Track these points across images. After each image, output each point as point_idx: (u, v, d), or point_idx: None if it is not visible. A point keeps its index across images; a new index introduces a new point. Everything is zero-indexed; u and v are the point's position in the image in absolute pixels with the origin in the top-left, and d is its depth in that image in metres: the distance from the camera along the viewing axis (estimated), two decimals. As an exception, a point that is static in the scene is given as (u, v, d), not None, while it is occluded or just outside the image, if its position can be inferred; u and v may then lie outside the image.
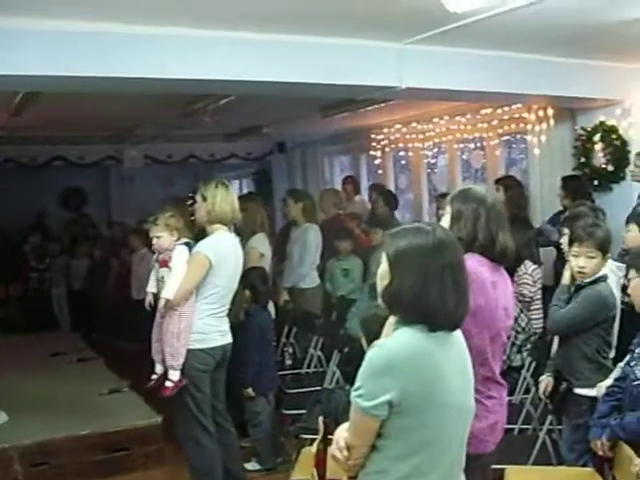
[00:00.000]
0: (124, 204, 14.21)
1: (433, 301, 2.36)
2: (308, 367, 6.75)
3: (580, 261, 4.12)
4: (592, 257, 4.13)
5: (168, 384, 4.69)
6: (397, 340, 2.37)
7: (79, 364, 7.91)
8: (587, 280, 4.16)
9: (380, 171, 10.84)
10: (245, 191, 14.32)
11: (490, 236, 3.06)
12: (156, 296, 4.82)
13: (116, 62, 4.62)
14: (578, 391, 4.07)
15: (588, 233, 4.14)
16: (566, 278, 4.32)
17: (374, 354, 2.34)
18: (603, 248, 4.14)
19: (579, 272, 4.15)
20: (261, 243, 6.65)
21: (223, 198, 4.88)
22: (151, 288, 4.90)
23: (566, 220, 5.05)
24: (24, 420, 5.77)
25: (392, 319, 2.80)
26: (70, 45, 4.47)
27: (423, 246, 2.41)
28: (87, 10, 4.32)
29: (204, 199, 4.87)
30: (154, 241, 4.88)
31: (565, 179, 6.85)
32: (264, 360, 5.71)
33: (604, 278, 4.18)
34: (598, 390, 3.89)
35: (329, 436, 2.95)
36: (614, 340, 4.26)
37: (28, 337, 9.54)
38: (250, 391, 5.64)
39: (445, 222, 3.13)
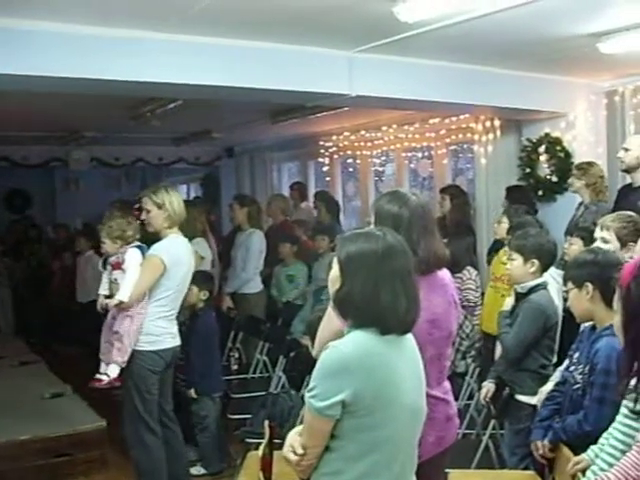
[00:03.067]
0: (70, 206, 14.02)
1: (383, 305, 2.39)
2: (254, 372, 6.75)
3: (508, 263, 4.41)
4: (512, 259, 4.34)
5: (104, 377, 4.73)
6: (350, 341, 2.40)
7: (21, 368, 7.79)
8: (522, 287, 4.29)
9: (328, 178, 10.90)
10: (192, 196, 14.25)
11: (410, 245, 2.73)
12: (108, 298, 4.83)
13: (64, 63, 4.56)
14: (520, 398, 4.15)
15: (512, 236, 4.43)
16: (507, 305, 4.45)
17: (327, 355, 2.37)
18: (524, 252, 4.28)
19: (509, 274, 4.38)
20: (200, 247, 6.65)
21: (178, 201, 4.99)
22: (103, 290, 4.93)
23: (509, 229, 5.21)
24: (-36, 424, 5.67)
25: (326, 318, 2.83)
26: (18, 44, 4.40)
27: (373, 251, 2.44)
28: (33, 7, 4.26)
29: (159, 207, 4.91)
30: (102, 245, 4.99)
31: (509, 189, 6.97)
32: (210, 362, 5.72)
33: (543, 286, 4.29)
34: (539, 397, 3.97)
35: (275, 440, 2.96)
36: (556, 346, 4.35)
37: (-32, 340, 9.38)
38: (192, 392, 5.63)
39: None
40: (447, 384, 3.19)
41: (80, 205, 13.59)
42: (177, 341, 5.01)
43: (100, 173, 13.44)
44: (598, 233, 4.39)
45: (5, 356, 8.20)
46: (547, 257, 4.33)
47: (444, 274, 3.17)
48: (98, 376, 4.76)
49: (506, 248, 4.80)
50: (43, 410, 6.17)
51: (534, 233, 4.49)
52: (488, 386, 4.37)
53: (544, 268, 4.33)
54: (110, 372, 4.73)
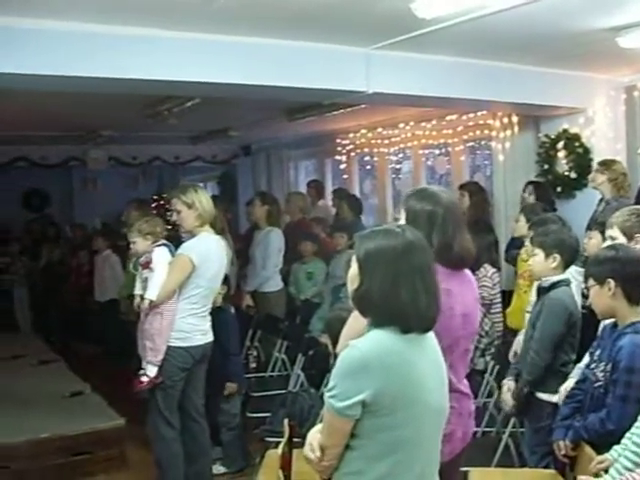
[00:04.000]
0: (87, 206, 14.06)
1: (403, 302, 2.37)
2: (272, 370, 6.76)
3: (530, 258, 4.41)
4: (534, 254, 4.31)
5: (144, 379, 4.81)
6: (370, 340, 2.37)
7: (40, 366, 7.82)
8: (544, 282, 4.25)
9: (345, 176, 10.88)
10: (209, 194, 14.25)
11: (446, 240, 2.92)
12: (142, 297, 4.90)
13: (80, 62, 4.58)
14: (540, 396, 4.11)
15: (535, 232, 4.41)
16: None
17: (347, 354, 2.35)
18: (546, 247, 4.24)
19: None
20: None
21: (207, 199, 5.08)
22: (138, 290, 4.97)
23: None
24: (-16, 423, 5.70)
25: (352, 318, 2.82)
26: (33, 44, 4.42)
27: (392, 248, 2.41)
28: (52, 8, 4.28)
29: (190, 206, 4.97)
30: (132, 245, 5.04)
31: (533, 183, 6.92)
32: (238, 359, 5.78)
33: (565, 282, 4.23)
34: (559, 395, 3.93)
35: (294, 438, 2.96)
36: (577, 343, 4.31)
37: (-13, 339, 9.42)
38: (235, 387, 5.65)
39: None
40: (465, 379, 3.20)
41: (98, 204, 13.64)
42: (208, 337, 5.05)
43: (117, 172, 13.47)
44: (607, 232, 4.36)
45: (25, 355, 8.23)
46: (569, 252, 4.27)
47: (469, 272, 3.18)
48: (142, 378, 4.81)
49: (527, 245, 4.76)
50: (62, 408, 6.19)
51: (556, 228, 4.45)
52: (509, 384, 4.33)
53: (566, 264, 4.27)
54: (149, 372, 4.80)
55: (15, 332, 10.63)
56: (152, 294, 4.76)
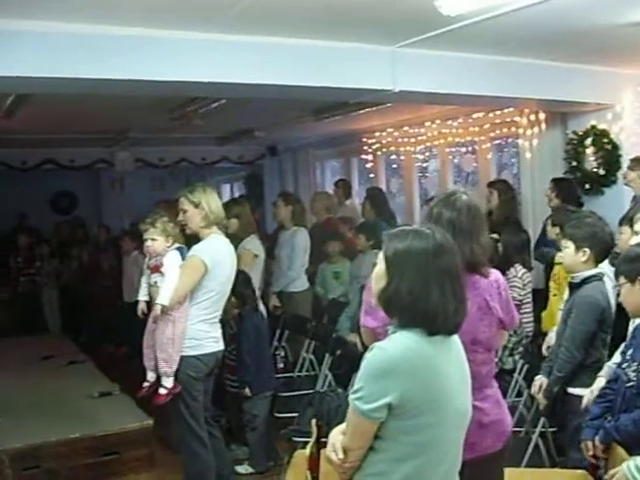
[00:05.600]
0: (115, 207, 14.19)
1: (432, 305, 2.35)
2: (300, 370, 6.75)
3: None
4: (565, 247, 4.23)
5: (162, 391, 4.64)
6: (397, 343, 2.36)
7: (70, 367, 7.86)
8: (575, 278, 4.20)
9: (372, 175, 10.86)
10: (236, 195, 14.31)
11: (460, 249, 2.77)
12: (148, 303, 4.77)
13: (107, 64, 4.61)
14: (574, 391, 4.05)
15: (567, 224, 4.32)
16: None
17: (374, 356, 2.33)
18: (576, 240, 4.17)
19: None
20: (254, 244, 6.65)
21: (215, 200, 4.90)
22: (143, 296, 4.84)
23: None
24: (15, 423, 5.74)
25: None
26: (60, 47, 4.47)
27: (423, 249, 2.39)
28: (79, 12, 4.32)
29: (196, 206, 4.82)
30: (148, 243, 4.79)
31: (555, 180, 6.87)
32: (260, 360, 5.71)
33: (597, 277, 4.16)
34: (589, 395, 3.88)
35: (322, 439, 2.94)
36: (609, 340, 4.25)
37: (18, 340, 9.49)
38: (247, 391, 5.62)
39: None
40: (487, 391, 3.12)
41: (125, 206, 13.75)
42: (220, 345, 4.88)
43: (144, 174, 13.58)
44: (635, 226, 4.30)
45: (54, 356, 8.28)
46: (599, 246, 4.16)
47: (482, 278, 3.10)
48: (160, 390, 4.65)
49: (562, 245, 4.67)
50: (91, 409, 6.22)
51: (589, 221, 4.31)
52: (542, 380, 4.28)
53: (597, 258, 4.17)
54: (165, 384, 4.62)
55: (45, 333, 10.71)
56: (164, 299, 4.55)
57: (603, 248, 4.20)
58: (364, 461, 2.41)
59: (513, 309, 3.28)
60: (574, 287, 4.21)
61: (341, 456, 2.41)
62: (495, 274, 3.18)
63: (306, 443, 3.13)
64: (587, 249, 4.14)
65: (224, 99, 6.90)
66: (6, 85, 4.92)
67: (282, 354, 6.90)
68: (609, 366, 3.88)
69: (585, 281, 4.14)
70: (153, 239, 4.77)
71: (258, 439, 5.73)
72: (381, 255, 2.47)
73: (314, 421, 3.05)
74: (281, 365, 6.81)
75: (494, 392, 3.19)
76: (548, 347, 4.92)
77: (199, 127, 8.53)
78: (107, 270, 10.81)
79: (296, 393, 6.06)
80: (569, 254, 4.20)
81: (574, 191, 6.78)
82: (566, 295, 4.40)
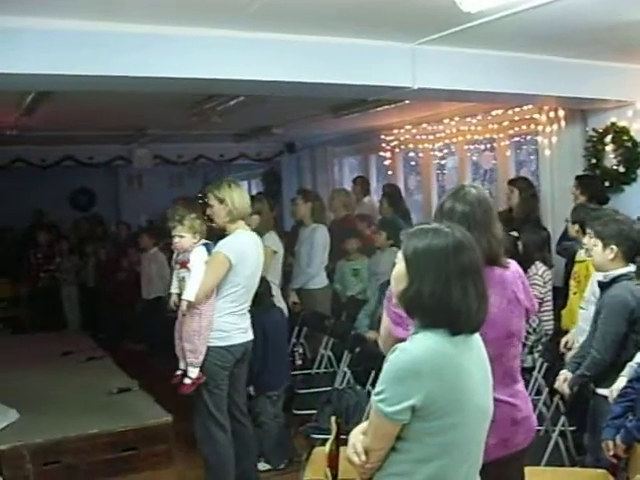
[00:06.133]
0: (133, 204, 14.25)
1: (455, 305, 2.33)
2: (318, 367, 6.75)
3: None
4: (594, 245, 4.18)
5: (187, 381, 4.79)
6: (420, 344, 2.34)
7: (89, 363, 7.91)
8: (605, 276, 4.16)
9: (390, 172, 10.83)
10: (254, 192, 14.33)
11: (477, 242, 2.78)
12: (179, 296, 4.88)
13: (125, 61, 4.63)
14: (602, 392, 4.02)
15: (595, 222, 4.26)
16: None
17: (397, 358, 2.31)
18: (603, 238, 4.13)
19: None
20: (273, 241, 6.69)
21: (239, 195, 4.98)
22: (174, 289, 4.96)
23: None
24: (35, 418, 5.78)
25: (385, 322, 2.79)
26: (79, 44, 4.47)
27: (443, 247, 2.37)
28: (98, 10, 4.32)
29: (221, 201, 4.93)
30: (176, 240, 4.94)
31: (580, 178, 6.82)
32: (268, 361, 5.64)
33: (628, 276, 4.10)
34: (611, 394, 3.85)
35: (341, 436, 2.94)
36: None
37: (37, 336, 9.56)
38: (251, 390, 5.62)
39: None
40: (518, 386, 3.10)
41: (143, 202, 13.83)
42: (249, 336, 5.02)
43: (163, 171, 13.63)
44: None
45: (73, 352, 8.33)
46: (627, 244, 4.10)
47: (505, 271, 3.08)
48: (185, 380, 4.80)
49: (584, 244, 4.63)
50: (110, 405, 6.26)
51: (617, 219, 4.27)
52: (566, 374, 4.25)
53: (626, 256, 4.11)
54: (191, 374, 4.77)
55: (64, 329, 10.78)
56: (190, 295, 4.70)
57: (631, 246, 4.13)
58: (385, 461, 2.39)
59: (532, 296, 3.27)
60: (604, 286, 4.17)
61: (363, 458, 2.40)
62: (514, 264, 3.16)
63: (324, 440, 3.14)
64: (614, 246, 4.09)
65: (242, 96, 6.90)
66: (23, 82, 4.95)
67: (300, 351, 6.91)
68: (631, 366, 3.85)
69: (615, 280, 4.10)
70: (181, 236, 4.91)
71: (265, 436, 5.71)
72: (400, 254, 2.45)
73: (333, 418, 3.05)
74: (299, 362, 6.82)
75: (522, 387, 3.17)
76: (565, 345, 4.90)
77: (217, 124, 8.55)
78: (126, 267, 10.86)
79: (314, 390, 6.07)
80: (597, 252, 4.16)
81: (599, 188, 6.72)
82: (586, 293, 4.37)
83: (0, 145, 10.50)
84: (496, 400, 2.70)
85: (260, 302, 5.57)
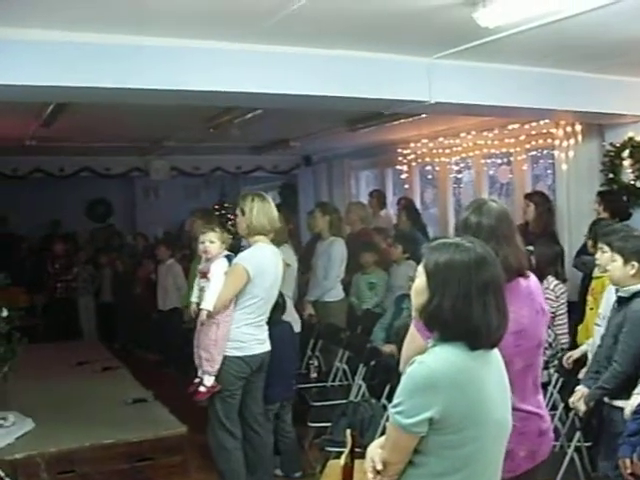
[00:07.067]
0: (149, 215, 14.29)
1: (475, 320, 2.33)
2: (333, 380, 6.74)
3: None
4: (613, 260, 4.20)
5: (202, 389, 4.89)
6: (438, 357, 2.34)
7: (104, 373, 7.92)
8: (625, 291, 4.15)
9: (406, 186, 10.84)
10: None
11: (505, 256, 2.87)
12: (198, 305, 4.97)
13: (148, 75, 4.69)
14: (618, 404, 4.01)
15: (612, 237, 4.28)
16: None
17: (414, 370, 2.32)
18: (624, 254, 4.14)
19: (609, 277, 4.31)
20: (287, 254, 6.66)
21: (259, 210, 5.03)
22: (194, 298, 5.07)
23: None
24: (50, 428, 5.78)
25: (412, 329, 2.79)
26: (99, 57, 4.53)
27: (465, 262, 2.37)
28: (117, 23, 4.38)
29: (243, 213, 5.05)
30: (207, 244, 5.01)
31: (602, 193, 6.80)
32: (267, 374, 5.36)
33: None
34: (627, 410, 3.84)
35: (356, 449, 2.94)
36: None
37: (53, 346, 9.58)
38: None
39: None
40: (541, 396, 3.11)
41: (159, 214, 13.86)
42: (266, 347, 5.09)
43: (179, 182, 13.67)
44: None
45: (89, 362, 8.34)
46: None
47: (529, 282, 3.09)
48: (200, 388, 4.88)
49: (598, 259, 4.62)
50: (125, 415, 6.26)
51: (638, 235, 4.31)
52: (582, 390, 4.24)
53: None
54: (206, 382, 4.87)
55: (79, 339, 10.81)
56: (208, 304, 4.81)
57: None
58: (403, 474, 2.39)
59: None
60: (623, 301, 4.17)
61: (379, 467, 2.39)
62: (532, 275, 3.17)
63: (339, 453, 3.14)
64: (636, 262, 4.12)
65: (260, 109, 6.93)
66: (41, 94, 4.99)
67: (315, 363, 6.91)
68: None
69: (636, 295, 4.10)
70: (212, 241, 5.02)
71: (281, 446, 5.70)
72: (420, 268, 2.45)
73: (348, 431, 3.06)
74: (314, 374, 6.82)
75: (542, 398, 3.18)
76: (568, 359, 4.90)
77: (234, 136, 8.59)
78: (142, 278, 10.90)
79: (329, 403, 6.06)
80: (617, 267, 4.17)
81: (621, 203, 6.69)
82: (601, 309, 4.36)
83: (19, 155, 10.62)
84: (526, 412, 2.73)
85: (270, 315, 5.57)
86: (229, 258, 5.01)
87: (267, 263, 5.03)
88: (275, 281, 5.12)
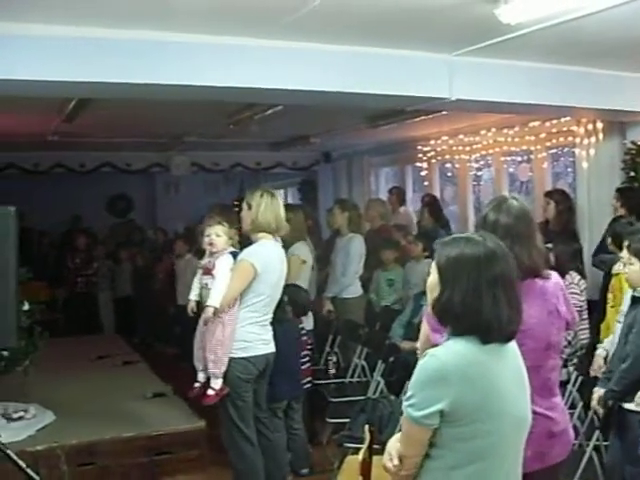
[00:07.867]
0: (169, 210, 14.34)
1: (485, 314, 2.34)
2: (352, 376, 6.74)
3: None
4: (631, 263, 4.15)
5: (210, 392, 4.72)
6: (449, 350, 2.36)
7: (124, 367, 7.99)
8: (638, 292, 4.12)
9: (426, 183, 10.83)
10: (290, 200, 14.37)
11: (519, 255, 2.86)
12: (199, 304, 4.86)
13: (169, 70, 4.72)
14: (628, 406, 3.99)
15: (632, 239, 4.20)
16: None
17: (426, 364, 2.33)
18: None
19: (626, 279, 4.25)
20: (302, 250, 6.68)
21: (267, 207, 4.90)
22: (193, 296, 4.93)
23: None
24: (71, 420, 5.84)
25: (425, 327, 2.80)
26: (122, 52, 4.57)
27: (475, 256, 2.38)
28: (142, 19, 4.41)
29: (249, 207, 4.92)
30: (213, 237, 4.86)
31: (620, 190, 6.76)
32: (272, 373, 5.25)
33: None
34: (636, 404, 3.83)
35: (375, 445, 2.95)
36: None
37: (74, 340, 9.65)
38: None
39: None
40: (556, 399, 3.09)
41: (180, 209, 13.90)
42: (271, 347, 4.93)
43: (199, 178, 13.71)
44: None
45: (109, 356, 8.41)
46: None
47: (547, 283, 3.08)
48: (208, 391, 4.73)
49: (622, 257, 4.60)
50: (145, 409, 6.31)
51: None
52: (599, 392, 4.23)
53: None
54: (214, 385, 4.70)
55: (99, 333, 10.88)
56: (214, 301, 4.64)
57: None
58: (421, 468, 2.40)
59: (573, 308, 3.27)
60: (636, 301, 4.15)
61: (396, 463, 2.41)
62: (555, 276, 3.17)
63: (357, 449, 3.15)
64: None
65: (280, 106, 6.95)
66: (63, 89, 5.04)
67: (334, 359, 6.91)
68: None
69: None
70: (218, 235, 4.86)
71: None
72: (433, 264, 2.47)
73: (367, 427, 3.06)
74: (333, 370, 6.82)
75: (560, 400, 3.17)
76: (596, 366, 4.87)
77: (255, 133, 8.61)
78: (162, 272, 10.95)
79: (348, 399, 6.06)
80: (635, 270, 4.13)
81: (637, 200, 6.66)
82: (624, 307, 4.34)
83: (41, 150, 10.70)
84: (533, 412, 2.70)
85: (274, 313, 5.51)
86: (234, 255, 4.85)
87: (272, 260, 4.88)
88: (280, 278, 4.98)
